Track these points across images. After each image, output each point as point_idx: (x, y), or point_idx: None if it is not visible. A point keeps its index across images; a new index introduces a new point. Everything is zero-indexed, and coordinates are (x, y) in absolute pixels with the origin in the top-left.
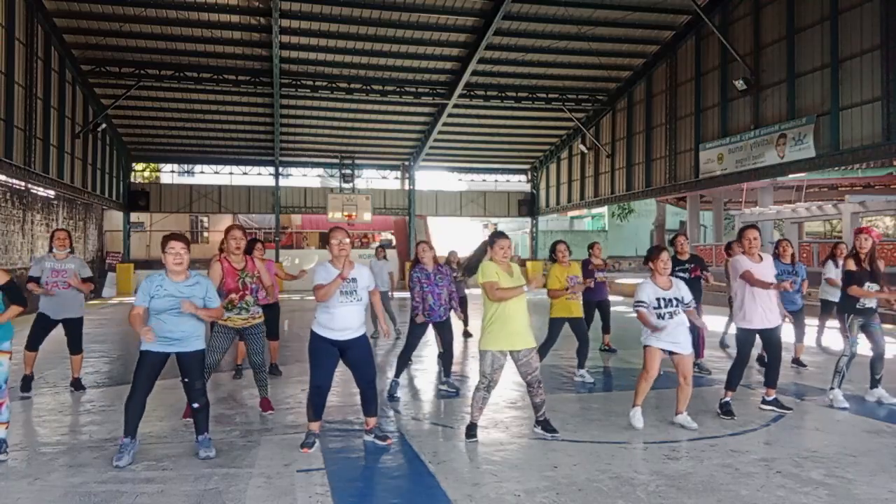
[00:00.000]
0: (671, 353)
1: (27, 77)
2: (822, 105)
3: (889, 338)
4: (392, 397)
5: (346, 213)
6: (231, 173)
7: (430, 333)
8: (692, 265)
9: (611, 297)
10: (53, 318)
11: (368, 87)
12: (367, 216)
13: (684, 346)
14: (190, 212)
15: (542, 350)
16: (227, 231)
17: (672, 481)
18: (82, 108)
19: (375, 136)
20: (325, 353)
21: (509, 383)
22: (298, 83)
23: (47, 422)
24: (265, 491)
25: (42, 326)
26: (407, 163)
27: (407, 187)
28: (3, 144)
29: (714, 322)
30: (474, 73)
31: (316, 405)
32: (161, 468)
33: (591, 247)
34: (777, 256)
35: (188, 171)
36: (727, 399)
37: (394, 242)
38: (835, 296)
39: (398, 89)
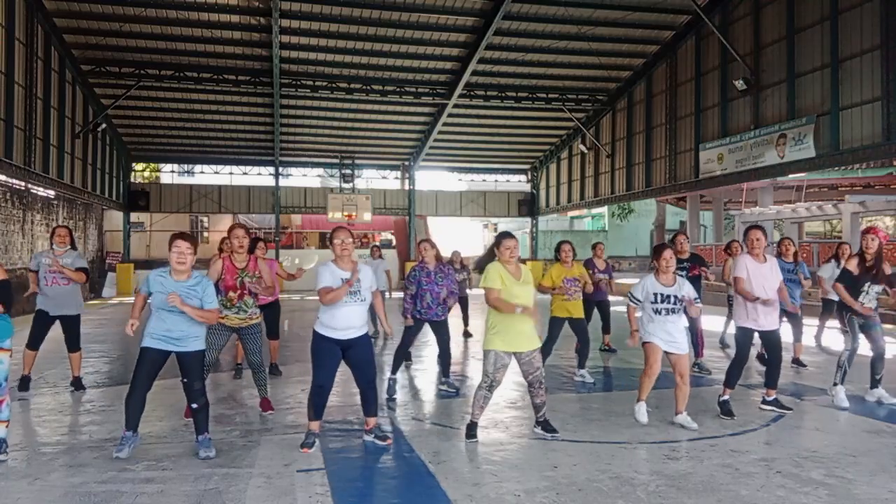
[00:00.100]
0: (667, 353)
1: (27, 77)
2: (822, 105)
3: (889, 338)
4: (390, 397)
5: (346, 213)
6: (231, 173)
7: (430, 334)
8: (691, 263)
9: (610, 297)
10: (51, 314)
11: (368, 87)
12: (367, 216)
13: (681, 346)
14: (190, 212)
15: (544, 350)
16: (230, 230)
17: (672, 481)
18: (82, 108)
19: (375, 136)
20: (327, 352)
21: (510, 383)
22: (298, 83)
23: (47, 422)
24: (265, 491)
25: (41, 323)
26: (407, 163)
27: (407, 187)
28: (3, 144)
29: (713, 322)
30: (474, 73)
31: (317, 405)
32: (161, 468)
33: (594, 247)
34: (779, 255)
35: (188, 171)
36: (726, 397)
37: (394, 242)
38: (836, 295)
39: (398, 89)
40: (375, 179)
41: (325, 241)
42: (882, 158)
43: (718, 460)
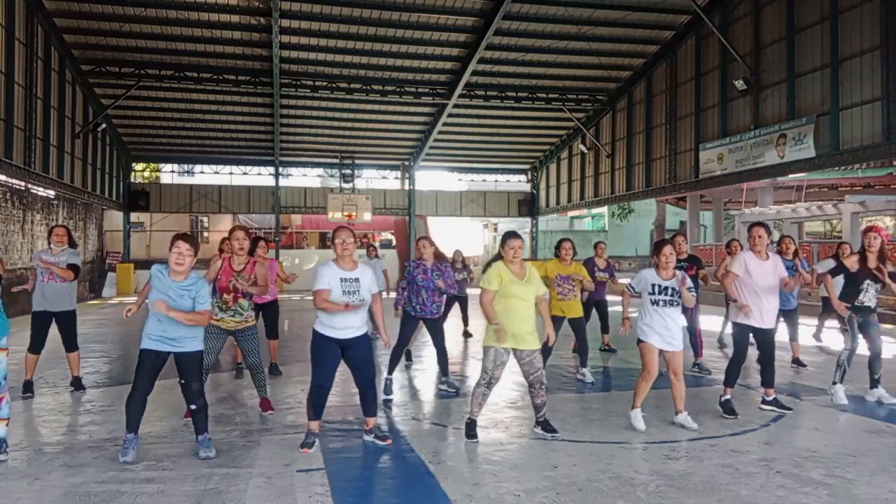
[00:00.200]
0: (662, 350)
1: (27, 77)
2: (822, 105)
3: (889, 338)
4: (387, 396)
5: (346, 213)
6: (231, 173)
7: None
8: (689, 264)
9: (611, 297)
10: (47, 310)
11: (368, 87)
12: (367, 216)
13: (676, 344)
14: (190, 212)
15: (544, 351)
16: (231, 232)
17: (672, 481)
18: (82, 108)
19: (375, 136)
20: (327, 352)
21: (509, 383)
22: (298, 83)
23: (47, 422)
24: (265, 491)
25: (40, 323)
26: (407, 163)
27: (407, 187)
28: (3, 144)
29: (712, 322)
30: (474, 73)
31: (316, 405)
32: (161, 468)
33: (595, 247)
34: (779, 253)
35: (188, 171)
36: (728, 397)
37: (394, 242)
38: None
39: (398, 89)
40: (375, 179)
41: (325, 241)
42: (882, 158)
43: (718, 460)
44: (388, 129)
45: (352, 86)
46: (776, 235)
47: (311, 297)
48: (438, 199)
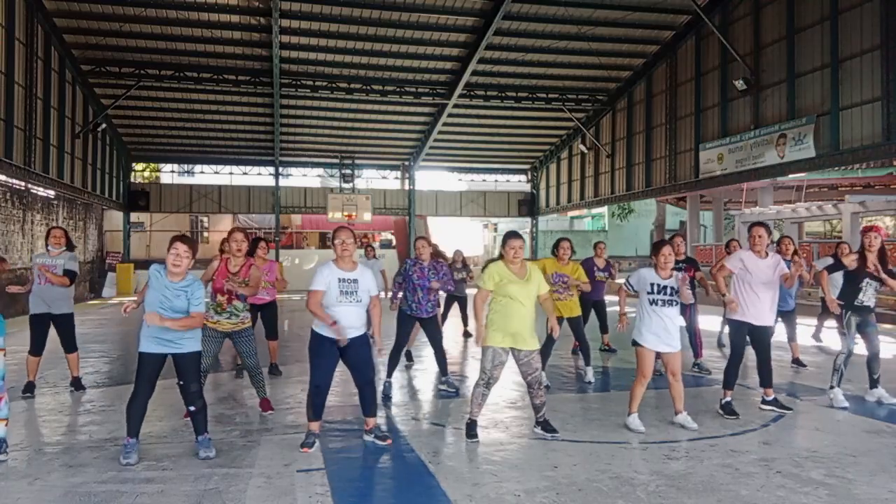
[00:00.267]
0: (659, 352)
1: (27, 77)
2: (822, 105)
3: (889, 338)
4: (387, 397)
5: (346, 213)
6: (231, 173)
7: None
8: (686, 265)
9: (611, 297)
10: (40, 311)
11: (368, 87)
12: (367, 216)
13: (673, 345)
14: (190, 212)
15: (544, 351)
16: (230, 233)
17: (672, 481)
18: (82, 108)
19: (375, 136)
20: (325, 352)
21: (509, 383)
22: (298, 83)
23: (47, 422)
24: (265, 491)
25: (39, 326)
26: (407, 163)
27: (407, 187)
28: (3, 144)
29: (711, 322)
30: (474, 73)
31: (316, 405)
32: (161, 468)
33: (595, 246)
34: (779, 253)
35: (188, 171)
36: (728, 399)
37: (394, 242)
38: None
39: (398, 89)
40: (375, 179)
41: (325, 241)
42: (882, 158)
43: (718, 460)
44: (388, 129)
45: (352, 86)
46: (776, 235)
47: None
48: (438, 199)
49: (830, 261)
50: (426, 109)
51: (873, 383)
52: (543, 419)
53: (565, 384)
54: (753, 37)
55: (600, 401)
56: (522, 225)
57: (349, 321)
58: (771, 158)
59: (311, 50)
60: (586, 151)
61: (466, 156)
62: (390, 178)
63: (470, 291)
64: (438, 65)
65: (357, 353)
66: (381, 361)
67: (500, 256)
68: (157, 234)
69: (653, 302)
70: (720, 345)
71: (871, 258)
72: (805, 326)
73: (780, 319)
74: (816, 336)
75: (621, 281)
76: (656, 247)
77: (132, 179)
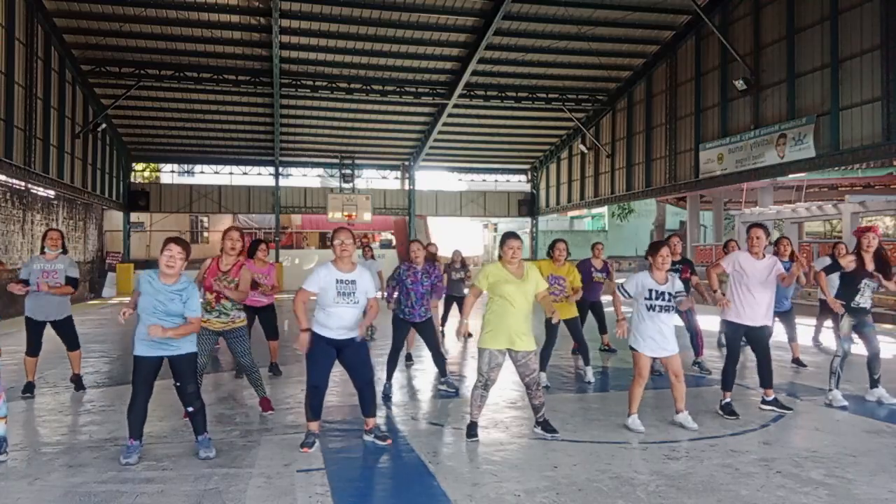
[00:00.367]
0: (657, 358)
1: (27, 77)
2: (822, 105)
3: (889, 338)
4: (386, 398)
5: (346, 213)
6: (231, 173)
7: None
8: (683, 266)
9: (604, 298)
10: (40, 319)
11: (368, 87)
12: (367, 216)
13: (671, 349)
14: (190, 212)
15: (544, 354)
16: (226, 232)
17: (672, 481)
18: (82, 108)
19: (375, 136)
20: (321, 352)
21: (509, 383)
22: (298, 83)
23: (47, 422)
24: (265, 491)
25: (34, 330)
26: (407, 163)
27: (407, 187)
28: (3, 144)
29: (711, 322)
30: (474, 73)
31: (314, 405)
32: (161, 468)
33: (593, 247)
34: (776, 254)
35: (188, 171)
36: (727, 400)
37: (394, 242)
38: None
39: (398, 89)
40: (375, 179)
41: (325, 241)
42: (882, 158)
43: (718, 460)
44: (388, 129)
45: (352, 86)
46: (776, 235)
47: (311, 298)
48: (438, 199)
49: (828, 261)
50: (426, 109)
51: (873, 383)
52: (543, 419)
53: (565, 384)
54: (753, 37)
55: (600, 401)
56: (522, 225)
57: (346, 322)
58: (771, 158)
59: (311, 50)
60: (586, 151)
61: (466, 156)
62: (390, 178)
63: (468, 292)
64: (438, 65)
65: (354, 355)
66: (379, 362)
67: (500, 258)
68: (157, 234)
69: (650, 308)
70: (720, 345)
71: (868, 259)
72: (805, 326)
73: (777, 320)
74: (816, 338)
75: (621, 280)
76: (653, 248)
77: (132, 179)
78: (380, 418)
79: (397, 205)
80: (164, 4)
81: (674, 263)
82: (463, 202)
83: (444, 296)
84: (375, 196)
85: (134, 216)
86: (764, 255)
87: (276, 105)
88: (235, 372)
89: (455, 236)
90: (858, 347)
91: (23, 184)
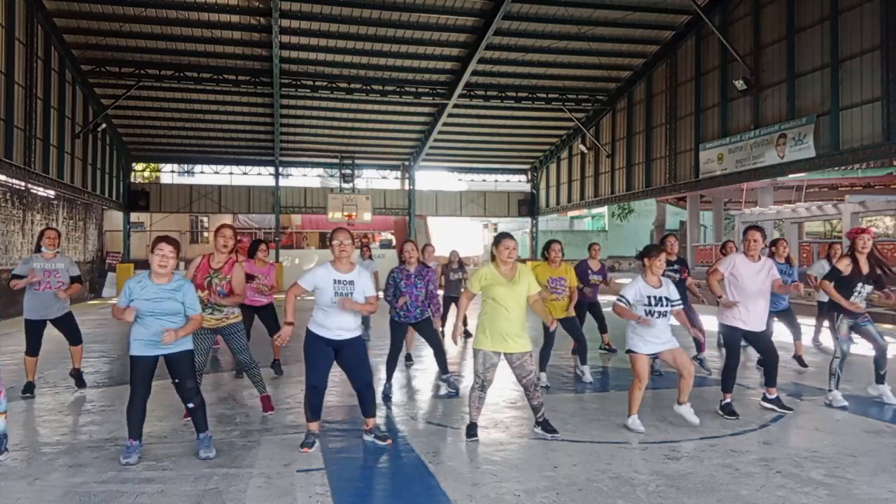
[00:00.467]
0: (660, 353)
1: (27, 77)
2: (822, 105)
3: (889, 338)
4: (386, 398)
5: (346, 213)
6: (231, 173)
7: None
8: (681, 266)
9: (611, 297)
10: (40, 318)
11: (368, 87)
12: (367, 216)
13: (670, 342)
14: (190, 212)
15: (543, 356)
16: (218, 229)
17: (672, 481)
18: (82, 108)
19: (375, 136)
20: (320, 352)
21: (509, 383)
22: (298, 83)
23: (47, 422)
24: (265, 491)
25: (34, 330)
26: (407, 163)
27: (407, 187)
28: (3, 144)
29: (707, 322)
30: (474, 73)
31: (313, 405)
32: (161, 468)
33: (589, 248)
34: (772, 256)
35: (188, 171)
36: (728, 400)
37: (394, 242)
38: (824, 296)
39: (398, 89)
40: (375, 179)
41: (325, 241)
42: (882, 158)
43: (718, 460)
44: (388, 129)
45: (352, 86)
46: (776, 235)
47: (309, 298)
48: (438, 199)
49: (827, 267)
50: (426, 109)
51: (879, 378)
52: (543, 419)
53: (565, 384)
54: (753, 37)
55: (600, 401)
56: (522, 225)
57: (343, 323)
58: (771, 158)
59: (311, 50)
60: (586, 151)
61: (466, 156)
62: (390, 178)
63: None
64: (438, 65)
65: (352, 356)
66: (379, 362)
67: (492, 258)
68: (158, 234)
69: (649, 313)
70: (720, 345)
71: (863, 260)
72: (805, 327)
73: (776, 320)
74: (816, 339)
75: (620, 281)
76: (651, 252)
77: (132, 179)
78: (380, 418)
79: (397, 205)
80: (164, 4)
81: (673, 263)
82: (463, 202)
83: (439, 308)
84: (375, 196)
85: (134, 216)
86: (759, 258)
87: (276, 105)
88: (235, 372)
89: (455, 236)
90: (858, 348)
91: (23, 184)
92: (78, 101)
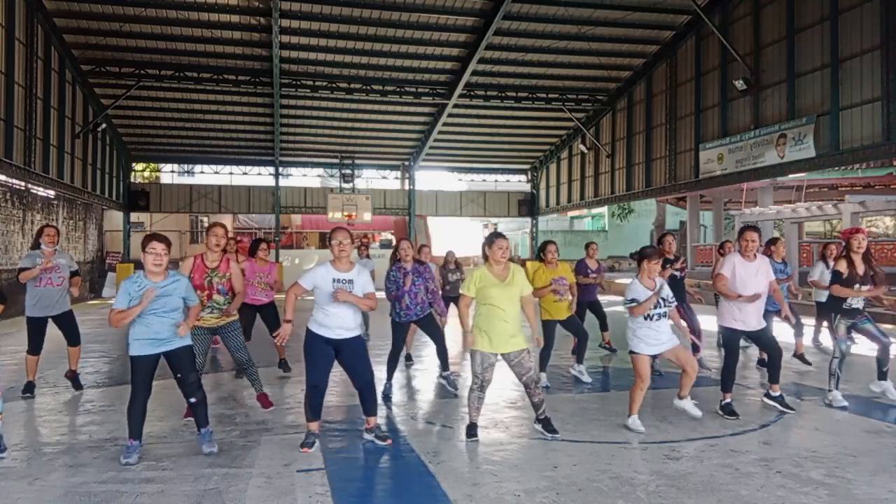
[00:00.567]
0: (662, 353)
1: (27, 77)
2: (822, 105)
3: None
4: (387, 398)
5: (346, 213)
6: (231, 173)
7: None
8: (682, 260)
9: (611, 297)
10: (43, 315)
11: (368, 87)
12: (367, 216)
13: (671, 341)
14: (190, 212)
15: (543, 356)
16: (209, 228)
17: (672, 481)
18: (82, 108)
19: (375, 136)
20: (320, 352)
21: (509, 383)
22: (298, 83)
23: (47, 422)
24: (265, 491)
25: (36, 327)
26: (407, 163)
27: (407, 187)
28: (3, 144)
29: (707, 322)
30: (474, 73)
31: (313, 405)
32: (161, 468)
33: (587, 247)
34: (767, 254)
35: (188, 171)
36: (728, 401)
37: (394, 242)
38: (822, 297)
39: (398, 89)
40: (375, 179)
41: (325, 241)
42: (882, 158)
43: (718, 460)
44: (388, 129)
45: (352, 86)
46: (775, 234)
47: (309, 297)
48: (438, 199)
49: (822, 266)
50: (426, 109)
51: (882, 375)
52: (544, 416)
53: (565, 384)
54: (753, 37)
55: (600, 401)
56: (522, 225)
57: (343, 322)
58: (771, 158)
59: (311, 50)
60: (586, 151)
61: (466, 156)
62: (390, 178)
63: None
64: (438, 65)
65: (352, 355)
66: (379, 362)
67: (483, 256)
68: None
69: (649, 317)
70: (720, 345)
71: (859, 260)
72: (806, 327)
73: (776, 319)
74: (816, 338)
75: (620, 281)
76: (652, 255)
77: (132, 179)
78: (380, 418)
79: (397, 205)
80: (164, 4)
81: (672, 261)
82: (463, 202)
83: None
84: (375, 196)
85: (134, 216)
86: (755, 257)
87: (276, 105)
88: (236, 372)
89: (455, 236)
90: (858, 348)
91: (23, 184)
92: (78, 101)
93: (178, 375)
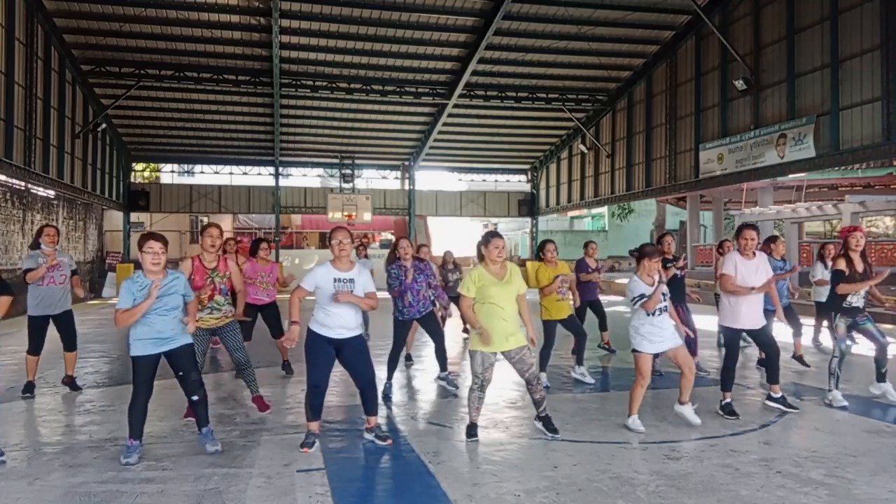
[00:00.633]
0: (663, 352)
1: (27, 77)
2: (822, 105)
3: (889, 338)
4: (387, 398)
5: (346, 213)
6: (231, 173)
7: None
8: (682, 258)
9: (611, 297)
10: (45, 314)
11: (368, 87)
12: (367, 216)
13: (673, 340)
14: (190, 212)
15: (543, 354)
16: (204, 229)
17: (672, 481)
18: (82, 108)
19: (375, 136)
20: (321, 352)
21: (509, 383)
22: (298, 83)
23: (47, 422)
24: (265, 491)
25: (38, 327)
26: (407, 163)
27: (407, 187)
28: (3, 144)
29: (707, 321)
30: (474, 73)
31: (314, 405)
32: (161, 468)
33: (586, 246)
34: (767, 252)
35: (188, 171)
36: (727, 400)
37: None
38: (822, 297)
39: (398, 89)
40: (375, 179)
41: (325, 241)
42: (882, 158)
43: (718, 460)
44: (388, 129)
45: (352, 86)
46: (775, 233)
47: (310, 297)
48: (438, 199)
49: (820, 266)
50: (426, 109)
51: (881, 377)
52: (545, 414)
53: (565, 384)
54: (753, 37)
55: (600, 401)
56: (522, 225)
57: (344, 321)
58: (771, 158)
59: (311, 50)
60: (586, 151)
61: (466, 156)
62: (390, 178)
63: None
64: (438, 65)
65: (353, 355)
66: (379, 361)
67: (479, 256)
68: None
69: (650, 313)
70: (720, 345)
71: (857, 258)
72: (807, 326)
73: (776, 319)
74: (815, 338)
75: (620, 281)
76: (652, 254)
77: (132, 179)
78: (380, 418)
79: (397, 205)
80: (164, 4)
81: (669, 261)
82: (463, 202)
83: (448, 304)
84: (375, 196)
85: (134, 216)
86: (754, 255)
87: (276, 105)
88: (236, 372)
89: (455, 236)
90: (858, 348)
91: (23, 184)
92: (78, 101)
93: (180, 373)
